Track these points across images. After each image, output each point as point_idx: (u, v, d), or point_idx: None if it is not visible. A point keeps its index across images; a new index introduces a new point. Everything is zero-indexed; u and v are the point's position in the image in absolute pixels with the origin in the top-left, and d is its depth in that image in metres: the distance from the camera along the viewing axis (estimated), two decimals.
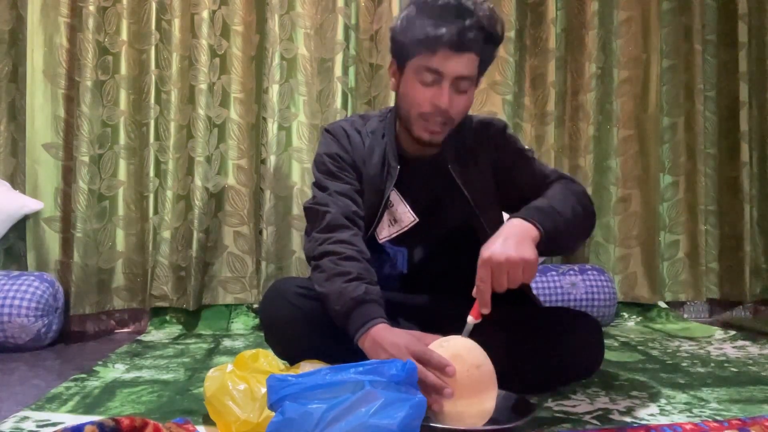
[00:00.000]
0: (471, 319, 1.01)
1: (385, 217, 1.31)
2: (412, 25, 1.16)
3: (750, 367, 1.54)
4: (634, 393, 1.27)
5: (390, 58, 1.26)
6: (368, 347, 1.05)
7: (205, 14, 2.17)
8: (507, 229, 1.05)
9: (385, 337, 1.03)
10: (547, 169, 1.30)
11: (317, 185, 1.30)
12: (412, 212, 1.30)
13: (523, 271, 0.99)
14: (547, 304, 2.09)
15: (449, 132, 1.26)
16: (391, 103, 2.24)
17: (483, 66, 1.22)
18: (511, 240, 1.01)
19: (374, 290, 1.12)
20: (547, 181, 1.25)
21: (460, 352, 0.96)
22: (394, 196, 1.30)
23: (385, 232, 1.32)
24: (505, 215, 1.36)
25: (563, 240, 1.12)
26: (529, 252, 1.00)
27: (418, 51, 1.16)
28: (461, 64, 1.15)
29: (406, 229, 1.31)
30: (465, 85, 1.18)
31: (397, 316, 1.25)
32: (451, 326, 1.31)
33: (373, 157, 1.30)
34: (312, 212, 1.26)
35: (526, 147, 1.36)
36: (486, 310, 1.01)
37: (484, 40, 1.16)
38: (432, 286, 1.37)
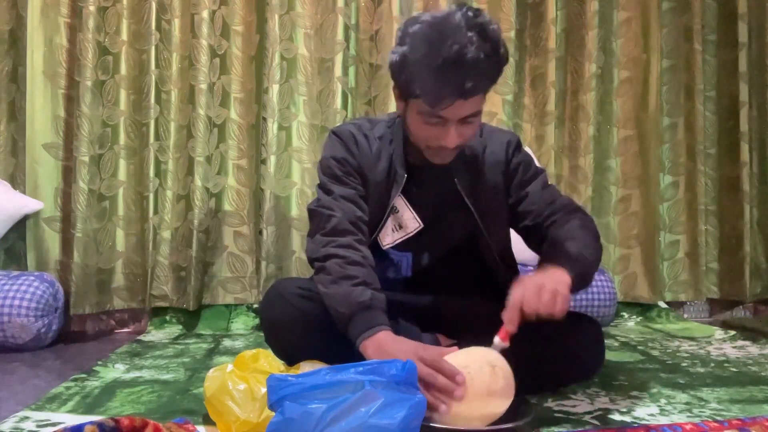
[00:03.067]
0: (498, 341, 1.02)
1: (390, 223, 1.30)
2: (411, 71, 1.09)
3: (750, 367, 1.54)
4: (634, 393, 1.27)
5: (394, 87, 1.21)
6: (372, 352, 1.04)
7: (205, 14, 2.17)
8: (545, 270, 1.10)
9: (391, 343, 1.04)
10: (562, 200, 1.30)
11: (322, 188, 1.29)
12: (417, 218, 1.30)
13: (556, 301, 1.03)
14: None
15: None
16: (391, 104, 2.26)
17: (490, 88, 1.17)
18: (548, 277, 1.07)
19: (380, 297, 1.12)
20: (564, 211, 1.26)
21: (471, 356, 0.99)
22: (400, 202, 1.29)
23: (389, 239, 1.31)
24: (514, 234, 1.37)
25: (585, 284, 1.18)
26: (564, 288, 1.05)
27: (421, 97, 1.10)
28: (467, 107, 1.11)
29: (411, 235, 1.30)
30: (472, 118, 1.15)
31: (397, 317, 1.25)
32: (451, 327, 1.32)
33: (380, 162, 1.29)
34: (316, 215, 1.25)
35: (539, 166, 1.36)
36: (512, 328, 1.03)
37: (490, 80, 1.12)
38: (436, 289, 1.37)
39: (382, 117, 1.39)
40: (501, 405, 0.96)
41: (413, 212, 1.29)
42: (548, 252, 1.18)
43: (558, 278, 1.06)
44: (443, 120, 1.12)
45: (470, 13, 1.08)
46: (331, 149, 1.31)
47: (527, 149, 2.33)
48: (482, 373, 0.96)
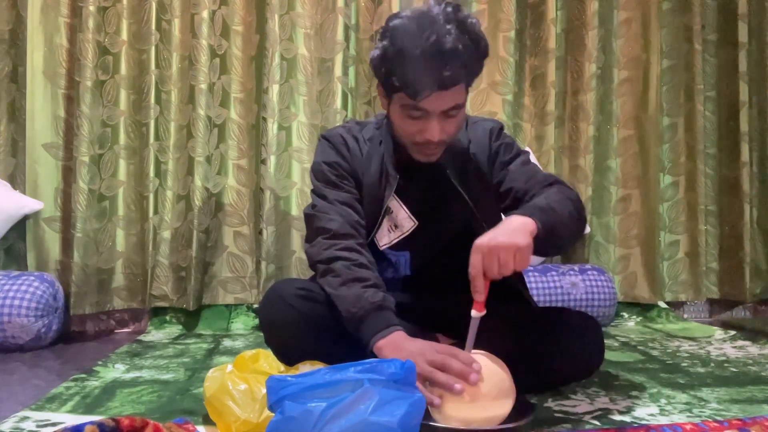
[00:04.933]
0: (474, 313, 1.01)
1: (385, 224, 1.30)
2: (391, 64, 1.12)
3: (750, 367, 1.54)
4: (634, 393, 1.27)
5: (378, 85, 1.22)
6: (388, 351, 1.04)
7: (205, 14, 2.17)
8: (504, 222, 1.06)
9: (406, 344, 1.04)
10: (542, 174, 1.30)
11: (317, 193, 1.29)
12: (411, 217, 1.30)
13: (515, 257, 0.98)
14: (547, 304, 2.09)
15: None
16: None
17: (471, 82, 1.19)
18: (506, 229, 1.02)
19: (391, 299, 1.12)
20: (543, 184, 1.24)
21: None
22: (394, 203, 1.30)
23: (385, 239, 1.31)
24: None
25: (558, 239, 1.12)
26: (522, 239, 0.99)
27: (402, 89, 1.12)
28: (448, 99, 1.12)
29: (406, 234, 1.31)
30: (454, 111, 1.16)
31: (398, 317, 1.25)
32: (452, 327, 1.32)
33: (371, 165, 1.30)
34: (315, 219, 1.24)
35: (522, 149, 1.36)
36: (479, 297, 1.00)
37: (469, 71, 1.14)
38: (435, 287, 1.37)
39: (370, 119, 1.40)
40: (498, 407, 0.96)
41: (407, 211, 1.30)
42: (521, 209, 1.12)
43: (514, 226, 1.02)
44: (425, 113, 1.13)
45: (449, 8, 1.10)
46: (322, 154, 1.32)
47: (527, 148, 2.34)
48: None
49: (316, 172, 1.31)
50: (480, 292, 1.00)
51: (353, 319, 1.10)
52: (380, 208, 1.28)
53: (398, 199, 1.30)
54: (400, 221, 1.30)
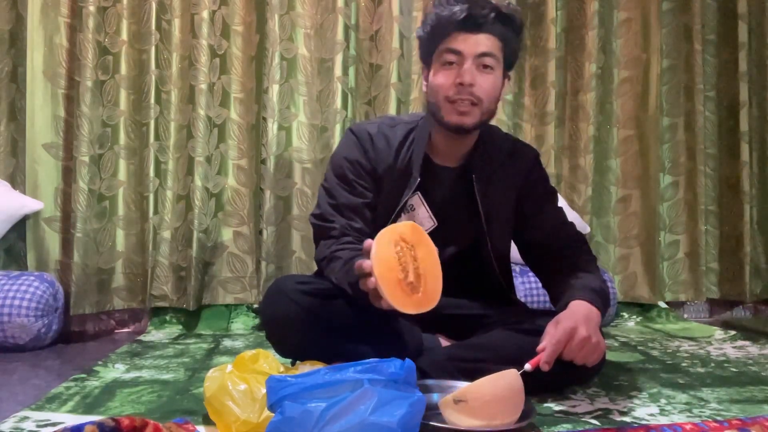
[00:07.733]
0: (528, 367, 1.04)
1: (403, 221, 1.31)
2: (429, 17, 1.23)
3: (750, 367, 1.54)
4: (634, 393, 1.27)
5: (422, 67, 1.32)
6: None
7: (205, 14, 2.17)
8: (584, 310, 1.13)
9: None
10: (568, 222, 1.37)
11: (327, 191, 1.29)
12: (432, 217, 1.31)
13: (594, 353, 1.09)
14: (547, 305, 2.09)
15: (480, 146, 1.30)
16: (392, 103, 2.26)
17: (508, 51, 1.25)
18: (593, 324, 1.11)
19: None
20: (573, 238, 1.34)
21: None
22: (417, 200, 1.30)
23: None
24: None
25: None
26: (603, 342, 1.12)
27: (438, 38, 1.21)
28: (479, 42, 1.20)
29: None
30: (489, 61, 1.21)
31: (398, 317, 1.25)
32: (452, 329, 1.32)
33: (396, 162, 1.30)
34: (319, 230, 1.28)
35: (551, 185, 1.42)
36: (546, 368, 1.04)
37: (498, 20, 1.20)
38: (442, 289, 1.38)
39: (404, 117, 1.40)
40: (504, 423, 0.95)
41: (429, 211, 1.30)
42: (581, 287, 1.20)
43: (597, 323, 1.12)
44: (460, 57, 1.19)
45: None
46: (346, 148, 1.32)
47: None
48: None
49: (335, 166, 1.31)
50: (549, 363, 1.05)
51: (357, 286, 1.09)
52: (396, 205, 1.28)
53: (422, 198, 1.30)
54: (420, 219, 1.31)
